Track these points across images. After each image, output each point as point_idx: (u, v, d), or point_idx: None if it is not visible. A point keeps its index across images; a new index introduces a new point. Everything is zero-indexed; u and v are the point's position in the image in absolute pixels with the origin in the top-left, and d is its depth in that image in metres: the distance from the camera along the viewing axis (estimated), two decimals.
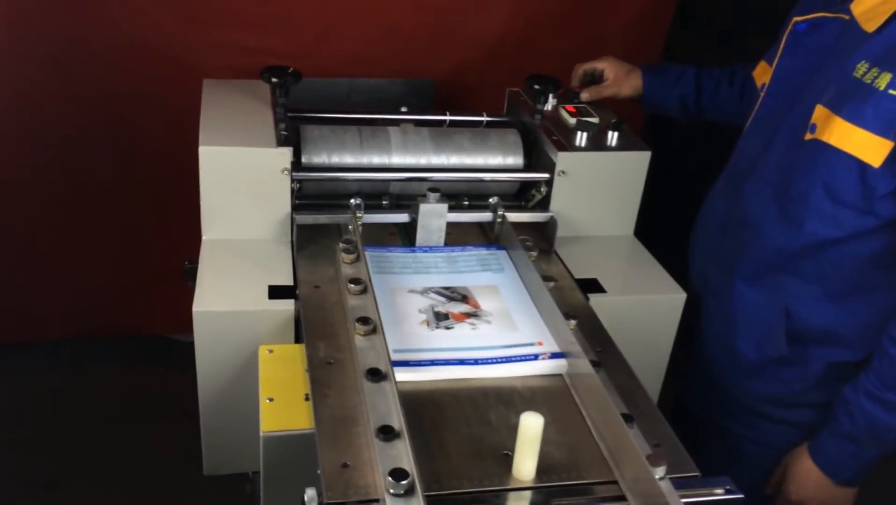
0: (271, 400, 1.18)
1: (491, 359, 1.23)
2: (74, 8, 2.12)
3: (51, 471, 2.26)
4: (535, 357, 1.24)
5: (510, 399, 1.17)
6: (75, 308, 2.57)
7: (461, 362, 1.21)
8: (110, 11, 2.14)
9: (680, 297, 1.49)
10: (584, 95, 1.78)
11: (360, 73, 2.21)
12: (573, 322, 1.27)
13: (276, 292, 1.36)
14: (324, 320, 1.29)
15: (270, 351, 1.29)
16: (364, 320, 1.22)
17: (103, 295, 2.57)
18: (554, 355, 1.24)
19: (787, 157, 1.37)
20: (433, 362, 1.21)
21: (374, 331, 1.21)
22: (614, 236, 1.66)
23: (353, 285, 1.31)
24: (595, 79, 1.81)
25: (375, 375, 1.12)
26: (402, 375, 1.16)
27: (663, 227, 1.84)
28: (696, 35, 2.67)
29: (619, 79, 1.77)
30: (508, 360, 1.23)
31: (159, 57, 2.20)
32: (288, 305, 1.33)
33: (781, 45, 1.44)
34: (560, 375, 1.23)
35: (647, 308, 1.49)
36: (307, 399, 1.16)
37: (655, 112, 1.83)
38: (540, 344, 1.27)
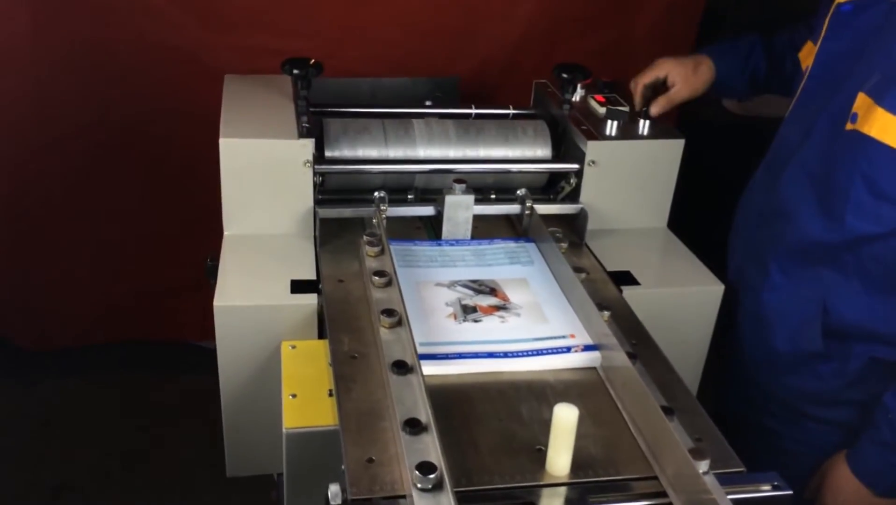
0: (294, 396, 1.14)
1: (521, 352, 1.18)
2: (98, 14, 2.11)
3: (76, 477, 2.24)
4: (568, 350, 1.19)
5: (542, 393, 1.12)
6: (102, 315, 2.56)
7: (490, 355, 1.16)
8: (133, 17, 2.14)
9: (718, 289, 1.43)
10: (655, 110, 1.58)
11: (385, 72, 2.18)
12: (606, 313, 1.21)
13: (298, 287, 1.32)
14: (347, 314, 1.25)
15: (293, 347, 1.25)
16: (389, 312, 1.17)
17: (130, 302, 2.56)
18: (587, 348, 1.19)
19: (827, 148, 1.29)
20: (461, 356, 1.16)
21: (399, 323, 1.17)
22: (647, 228, 1.60)
23: (377, 278, 1.26)
24: (657, 88, 1.62)
25: (401, 367, 1.08)
26: (428, 368, 1.11)
27: (699, 222, 1.78)
28: (727, 31, 2.61)
29: (688, 79, 1.59)
30: (539, 353, 1.18)
31: (184, 61, 2.19)
32: (311, 300, 1.29)
33: (824, 27, 1.37)
34: (594, 369, 1.18)
35: (683, 301, 1.43)
36: (331, 395, 1.12)
37: (719, 95, 1.73)
38: (572, 336, 1.22)
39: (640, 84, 1.62)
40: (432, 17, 2.27)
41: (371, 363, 1.14)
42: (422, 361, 1.09)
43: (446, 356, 1.15)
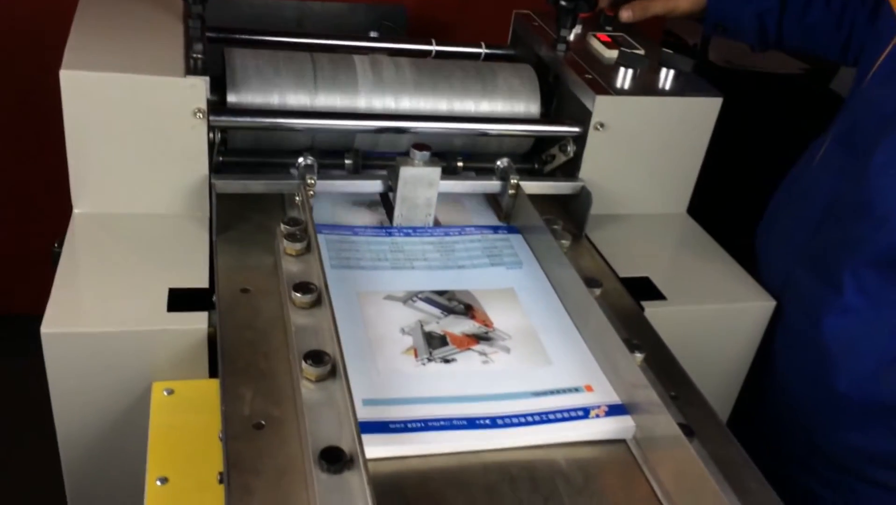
0: (164, 482, 0.73)
1: (516, 418, 0.78)
2: None
3: None
4: (585, 413, 0.80)
5: (551, 486, 0.73)
6: None
7: (471, 424, 0.76)
8: None
9: (768, 305, 1.06)
10: (625, 14, 1.29)
11: None
12: (640, 356, 0.83)
13: (180, 300, 0.88)
14: (254, 349, 0.82)
15: (169, 391, 0.83)
16: (316, 358, 0.76)
17: None
18: (613, 409, 0.80)
19: None
20: (427, 425, 0.75)
21: (332, 373, 0.76)
22: (662, 214, 1.22)
23: (299, 295, 0.84)
24: None
25: (334, 460, 0.67)
26: (377, 448, 0.71)
27: (714, 205, 1.40)
28: None
29: None
30: (544, 418, 0.78)
31: None
32: (199, 321, 0.86)
33: None
34: (623, 441, 0.80)
35: (722, 322, 1.06)
36: (221, 481, 0.71)
37: (720, 34, 1.35)
38: (588, 389, 0.83)
39: None
40: None
41: (287, 439, 0.72)
42: (366, 438, 0.68)
43: (404, 426, 0.75)
